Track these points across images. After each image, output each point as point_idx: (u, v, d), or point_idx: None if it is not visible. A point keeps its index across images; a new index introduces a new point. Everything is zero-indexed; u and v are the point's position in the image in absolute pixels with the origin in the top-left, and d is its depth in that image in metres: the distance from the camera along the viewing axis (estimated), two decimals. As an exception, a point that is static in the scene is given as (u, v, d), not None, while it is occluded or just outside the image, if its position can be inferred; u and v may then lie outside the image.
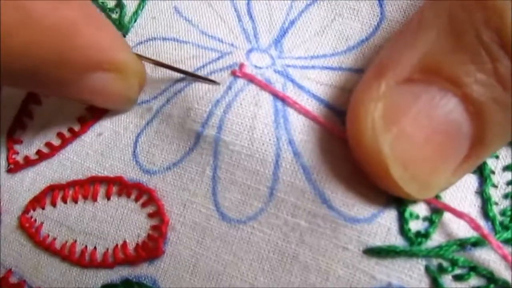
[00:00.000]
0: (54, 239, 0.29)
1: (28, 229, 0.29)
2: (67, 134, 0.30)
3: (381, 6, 0.28)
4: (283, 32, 0.29)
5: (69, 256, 0.28)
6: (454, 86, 0.21)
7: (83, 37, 0.24)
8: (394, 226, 0.24)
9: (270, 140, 0.26)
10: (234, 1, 0.30)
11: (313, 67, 0.27)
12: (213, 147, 0.26)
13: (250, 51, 0.28)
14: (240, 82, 0.27)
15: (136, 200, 0.28)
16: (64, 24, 0.23)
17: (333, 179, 0.25)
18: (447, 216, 0.24)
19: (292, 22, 0.29)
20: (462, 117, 0.21)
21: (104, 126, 0.30)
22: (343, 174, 0.25)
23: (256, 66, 0.27)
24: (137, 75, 0.28)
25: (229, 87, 0.27)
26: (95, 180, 0.29)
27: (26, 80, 0.25)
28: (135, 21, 0.31)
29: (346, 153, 0.25)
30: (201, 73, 0.28)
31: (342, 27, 0.28)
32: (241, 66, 0.27)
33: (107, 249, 0.27)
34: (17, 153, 0.31)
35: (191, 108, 0.27)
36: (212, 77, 0.27)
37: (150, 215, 0.27)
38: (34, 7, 0.23)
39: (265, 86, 0.26)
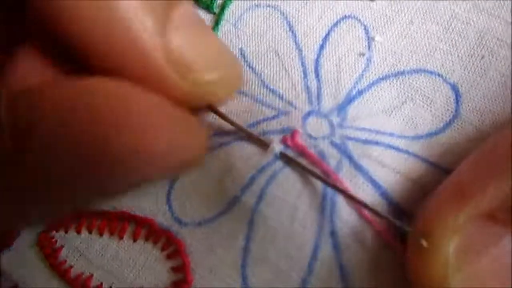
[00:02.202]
0: (71, 267, 0.28)
1: (46, 248, 0.28)
2: None
3: (457, 102, 0.26)
4: (349, 100, 0.27)
5: (82, 290, 0.27)
6: None
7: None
8: None
9: (312, 225, 0.24)
10: (303, 54, 0.28)
11: (377, 143, 0.26)
12: (249, 216, 0.25)
13: (308, 114, 0.27)
14: (291, 151, 0.26)
15: (163, 249, 0.27)
16: None
17: (366, 283, 0.24)
18: None
19: (360, 93, 0.27)
20: None
21: None
22: (382, 284, 0.24)
23: (311, 136, 0.26)
24: None
25: (277, 155, 0.26)
26: (124, 217, 0.28)
27: None
28: None
29: (390, 262, 0.24)
30: (252, 130, 0.27)
31: (412, 114, 0.26)
32: (294, 133, 0.26)
33: (123, 292, 0.27)
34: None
35: (233, 168, 0.26)
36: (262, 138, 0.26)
37: (174, 270, 0.26)
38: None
39: (317, 162, 0.25)
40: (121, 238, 0.28)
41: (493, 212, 0.20)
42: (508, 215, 0.20)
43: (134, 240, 0.27)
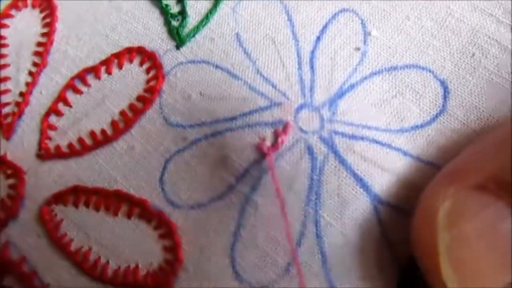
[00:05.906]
0: (71, 240, 0.29)
1: (47, 222, 0.30)
2: (99, 136, 0.30)
3: (445, 98, 0.26)
4: (341, 94, 0.27)
5: (82, 263, 0.29)
6: None
7: None
8: None
9: (298, 215, 0.25)
10: (299, 45, 0.28)
11: (362, 138, 0.26)
12: (242, 204, 0.26)
13: (301, 107, 0.27)
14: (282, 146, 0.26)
15: (155, 229, 0.28)
16: None
17: (346, 273, 0.25)
18: None
19: (352, 86, 0.27)
20: None
21: (136, 139, 0.29)
22: (357, 270, 0.25)
23: (301, 130, 0.26)
24: None
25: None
26: (119, 195, 0.29)
27: None
28: (193, 36, 0.30)
29: (365, 246, 0.25)
30: (245, 121, 0.27)
31: (401, 107, 0.27)
32: (286, 126, 0.26)
33: (119, 268, 0.28)
34: (50, 139, 0.31)
35: (229, 157, 0.27)
36: (255, 131, 0.27)
37: (166, 249, 0.27)
38: None
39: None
40: (116, 214, 0.29)
41: (484, 183, 0.22)
42: (497, 186, 0.22)
43: (129, 218, 0.28)
